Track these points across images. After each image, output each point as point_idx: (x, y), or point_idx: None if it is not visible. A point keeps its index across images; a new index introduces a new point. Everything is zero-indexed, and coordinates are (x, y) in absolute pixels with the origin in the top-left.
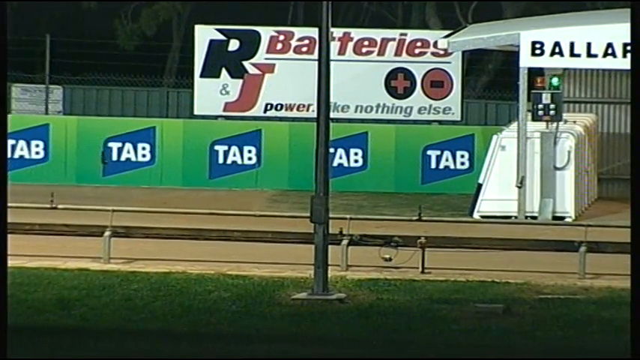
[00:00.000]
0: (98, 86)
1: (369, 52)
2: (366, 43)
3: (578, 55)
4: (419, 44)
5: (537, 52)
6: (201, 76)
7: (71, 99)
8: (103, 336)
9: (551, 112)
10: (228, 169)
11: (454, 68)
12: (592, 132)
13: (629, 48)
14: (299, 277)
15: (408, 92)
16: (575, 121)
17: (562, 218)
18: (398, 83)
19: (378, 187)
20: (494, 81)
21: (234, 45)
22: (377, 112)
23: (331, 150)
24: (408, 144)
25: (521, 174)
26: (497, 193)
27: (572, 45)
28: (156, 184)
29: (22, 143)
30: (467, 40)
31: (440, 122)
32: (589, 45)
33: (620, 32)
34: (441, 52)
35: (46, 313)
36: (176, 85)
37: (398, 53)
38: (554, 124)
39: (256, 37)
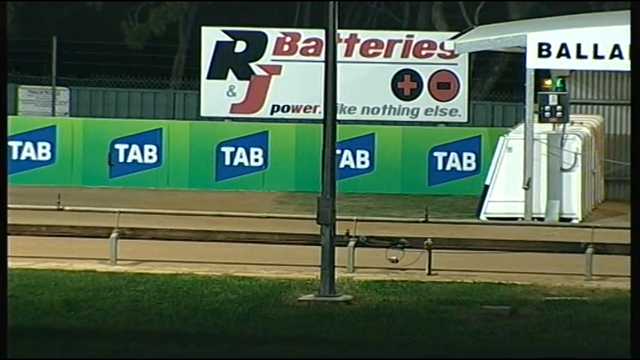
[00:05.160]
0: (105, 88)
1: (375, 54)
2: (372, 44)
3: (585, 57)
4: (425, 46)
5: (544, 53)
6: (208, 77)
7: (78, 100)
8: (110, 337)
9: (558, 114)
10: (235, 170)
11: (461, 70)
12: (599, 133)
13: None
14: (306, 278)
15: (414, 94)
16: (581, 123)
17: (569, 220)
18: (404, 85)
19: (384, 188)
20: (500, 82)
21: (240, 46)
22: (384, 113)
23: (338, 151)
24: (414, 145)
25: (528, 175)
26: (504, 195)
27: (578, 46)
28: (162, 185)
29: (28, 145)
30: (473, 41)
31: (446, 124)
32: (596, 46)
33: (626, 34)
34: (448, 54)
35: (53, 315)
36: (183, 87)
37: (404, 55)
38: (561, 126)
39: (263, 39)
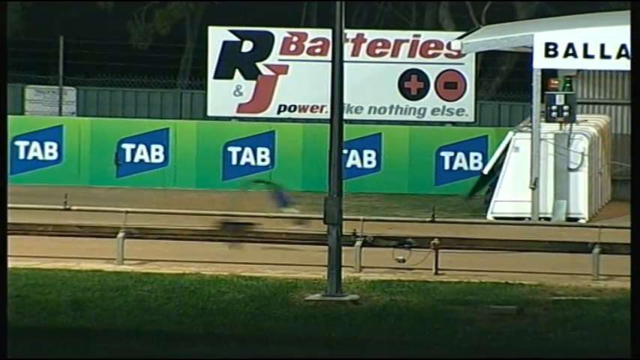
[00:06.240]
0: (112, 88)
1: (382, 54)
2: (379, 44)
3: (592, 57)
4: (432, 45)
5: (551, 53)
6: (215, 77)
7: (85, 100)
8: (117, 337)
9: (565, 114)
10: (242, 170)
11: (468, 69)
12: (606, 133)
13: None
14: (312, 278)
15: (421, 93)
16: (586, 120)
17: (576, 219)
18: (411, 84)
19: (391, 188)
20: (507, 82)
21: (247, 46)
22: (390, 113)
23: (345, 151)
24: (421, 145)
25: (535, 175)
26: (511, 195)
27: (585, 46)
28: (169, 185)
29: (35, 144)
30: (480, 41)
31: (453, 123)
32: (602, 46)
33: None
34: (455, 54)
35: (60, 315)
36: (190, 87)
37: (411, 54)
38: (568, 126)
39: (270, 39)
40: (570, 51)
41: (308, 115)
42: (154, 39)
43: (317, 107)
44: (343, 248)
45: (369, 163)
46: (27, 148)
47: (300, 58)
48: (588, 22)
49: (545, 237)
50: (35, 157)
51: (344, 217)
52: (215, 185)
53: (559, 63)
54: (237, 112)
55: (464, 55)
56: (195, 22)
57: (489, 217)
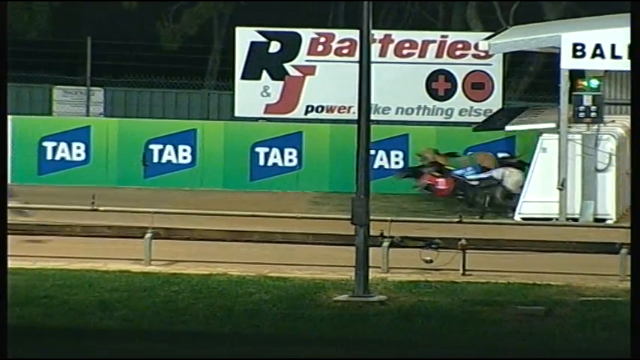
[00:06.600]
0: (139, 88)
1: (409, 54)
2: (406, 44)
3: (620, 57)
4: (460, 46)
5: (578, 53)
6: (242, 78)
7: (112, 101)
8: (145, 338)
9: (593, 114)
10: (269, 171)
11: (495, 70)
12: None
13: None
14: (340, 279)
15: (448, 94)
16: (614, 121)
17: (603, 220)
18: (439, 85)
19: (418, 188)
20: (535, 83)
21: (275, 47)
22: (418, 114)
23: (372, 152)
24: (448, 146)
25: (563, 176)
26: (539, 195)
27: (613, 47)
28: (197, 186)
29: (63, 145)
30: (508, 41)
31: None
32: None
33: None
34: (482, 54)
35: (88, 315)
36: (217, 87)
37: (439, 55)
38: (596, 126)
39: (297, 39)
40: (598, 51)
41: (335, 115)
42: (182, 40)
43: (344, 108)
44: (370, 249)
45: (397, 163)
46: (54, 149)
47: (328, 59)
48: (616, 23)
49: (572, 238)
50: (63, 158)
51: (371, 217)
52: (242, 186)
53: (587, 63)
54: (265, 112)
55: (491, 55)
56: (222, 22)
57: (517, 217)
